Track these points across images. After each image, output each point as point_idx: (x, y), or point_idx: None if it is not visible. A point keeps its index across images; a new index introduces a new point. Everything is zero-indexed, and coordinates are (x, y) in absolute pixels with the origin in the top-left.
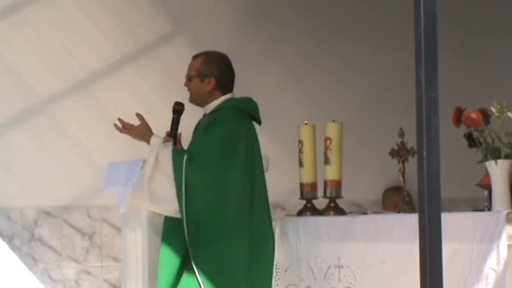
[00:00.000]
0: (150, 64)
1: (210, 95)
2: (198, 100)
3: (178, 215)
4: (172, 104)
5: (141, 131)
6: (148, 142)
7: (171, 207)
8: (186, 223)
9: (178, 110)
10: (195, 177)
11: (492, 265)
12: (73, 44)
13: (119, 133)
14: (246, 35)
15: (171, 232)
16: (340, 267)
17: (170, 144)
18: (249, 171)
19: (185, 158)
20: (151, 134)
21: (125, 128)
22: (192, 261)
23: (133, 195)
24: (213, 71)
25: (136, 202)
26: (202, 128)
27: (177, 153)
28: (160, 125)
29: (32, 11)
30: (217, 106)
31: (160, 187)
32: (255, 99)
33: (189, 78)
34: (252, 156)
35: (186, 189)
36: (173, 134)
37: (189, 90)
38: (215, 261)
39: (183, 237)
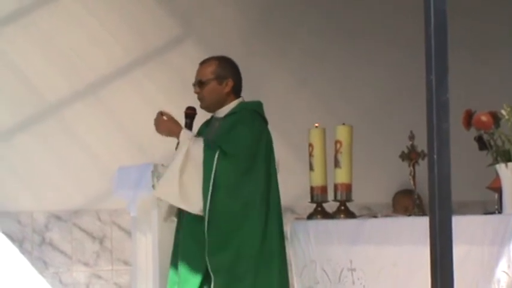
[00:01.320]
0: (159, 67)
1: (226, 97)
2: (213, 103)
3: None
4: (181, 107)
5: (170, 126)
6: (177, 136)
7: (197, 202)
8: (208, 217)
9: (190, 114)
10: (225, 171)
11: (504, 268)
12: (81, 48)
13: (127, 136)
14: (255, 38)
15: (190, 247)
16: (353, 270)
17: (201, 139)
18: (267, 174)
19: (217, 152)
20: (181, 128)
21: (161, 119)
22: (208, 262)
23: (161, 187)
24: (230, 72)
25: (163, 194)
26: (221, 130)
27: (210, 147)
28: None
29: (40, 14)
30: (232, 109)
31: (191, 180)
32: (264, 102)
33: (201, 84)
34: (270, 159)
35: (214, 184)
36: None
37: (200, 96)
38: (231, 266)
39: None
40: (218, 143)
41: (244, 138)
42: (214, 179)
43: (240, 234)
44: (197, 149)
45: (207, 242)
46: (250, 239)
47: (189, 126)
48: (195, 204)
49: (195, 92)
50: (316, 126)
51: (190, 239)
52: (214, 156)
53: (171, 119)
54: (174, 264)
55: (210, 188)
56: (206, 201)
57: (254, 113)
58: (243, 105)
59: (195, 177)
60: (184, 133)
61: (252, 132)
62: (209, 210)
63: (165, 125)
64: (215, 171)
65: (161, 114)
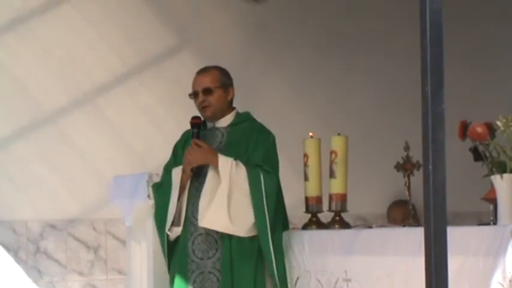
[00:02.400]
0: (155, 77)
1: (229, 105)
2: (219, 111)
3: (251, 233)
4: (177, 116)
5: (206, 155)
6: (216, 164)
7: (244, 226)
8: (268, 238)
9: (197, 124)
10: (271, 186)
11: (499, 279)
12: (78, 57)
13: (123, 145)
14: (251, 48)
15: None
16: (348, 280)
17: (239, 162)
18: None
19: (261, 173)
20: (217, 154)
21: (197, 149)
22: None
23: (209, 216)
24: (231, 81)
25: (211, 223)
26: (245, 138)
27: (253, 169)
28: (165, 137)
29: (38, 23)
30: (234, 120)
31: (238, 205)
32: (259, 112)
33: (207, 92)
34: None
35: (267, 202)
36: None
37: (207, 104)
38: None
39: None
40: (255, 162)
41: (274, 153)
42: (266, 198)
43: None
44: (240, 173)
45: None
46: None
47: (197, 135)
48: (241, 228)
49: (201, 101)
50: (311, 136)
51: (240, 258)
52: (260, 177)
53: (207, 147)
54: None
55: (265, 208)
56: (265, 222)
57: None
58: (246, 116)
59: (243, 201)
60: (223, 160)
61: (274, 143)
62: (270, 230)
63: (201, 154)
64: (265, 190)
65: (196, 144)
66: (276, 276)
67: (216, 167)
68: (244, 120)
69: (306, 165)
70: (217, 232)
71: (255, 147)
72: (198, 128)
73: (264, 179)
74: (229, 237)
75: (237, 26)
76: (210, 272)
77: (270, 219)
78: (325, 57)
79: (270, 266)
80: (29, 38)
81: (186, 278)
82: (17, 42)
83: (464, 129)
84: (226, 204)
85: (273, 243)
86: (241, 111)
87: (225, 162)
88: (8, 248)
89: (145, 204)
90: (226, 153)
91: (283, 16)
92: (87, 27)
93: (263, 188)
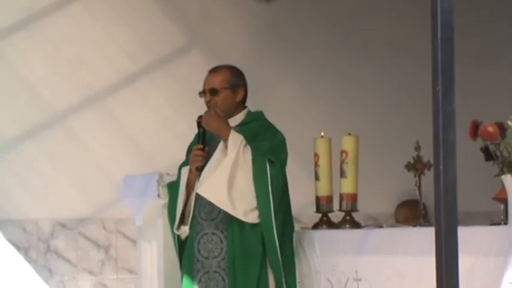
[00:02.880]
0: (165, 76)
1: (238, 106)
2: (225, 112)
3: (250, 219)
4: (186, 116)
5: (222, 125)
6: (226, 136)
7: (241, 207)
8: (272, 222)
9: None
10: (277, 179)
11: (510, 279)
12: (88, 57)
13: (133, 145)
14: (261, 48)
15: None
16: (358, 280)
17: (248, 146)
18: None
19: (266, 161)
20: (230, 129)
21: (214, 116)
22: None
23: (207, 186)
24: (242, 82)
25: (208, 193)
26: (252, 136)
27: (258, 153)
28: (174, 137)
29: (47, 23)
30: (245, 119)
31: (240, 185)
32: (269, 112)
33: (214, 92)
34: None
35: (272, 192)
36: (204, 147)
37: (212, 104)
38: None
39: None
40: (261, 151)
41: (281, 149)
42: (271, 186)
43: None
44: (247, 154)
45: (279, 252)
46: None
47: (203, 134)
48: (238, 208)
49: (207, 100)
50: (322, 136)
51: (241, 250)
52: (265, 164)
53: (224, 118)
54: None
55: (270, 195)
56: (269, 209)
57: (269, 122)
58: (256, 115)
59: (245, 182)
60: (234, 135)
61: (280, 139)
62: (274, 218)
63: (217, 122)
64: (270, 178)
65: (215, 111)
66: (278, 266)
67: (226, 139)
68: (255, 119)
69: (316, 164)
70: (223, 231)
71: (261, 139)
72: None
73: (269, 167)
74: (234, 236)
75: (248, 25)
76: (215, 272)
77: (275, 205)
78: (336, 56)
79: (272, 253)
80: (38, 37)
81: (192, 278)
82: (26, 41)
83: (475, 129)
84: (227, 179)
85: (276, 230)
86: (253, 110)
87: (236, 137)
88: (18, 247)
89: (156, 204)
90: None
91: (294, 15)
92: (97, 27)
93: (268, 174)
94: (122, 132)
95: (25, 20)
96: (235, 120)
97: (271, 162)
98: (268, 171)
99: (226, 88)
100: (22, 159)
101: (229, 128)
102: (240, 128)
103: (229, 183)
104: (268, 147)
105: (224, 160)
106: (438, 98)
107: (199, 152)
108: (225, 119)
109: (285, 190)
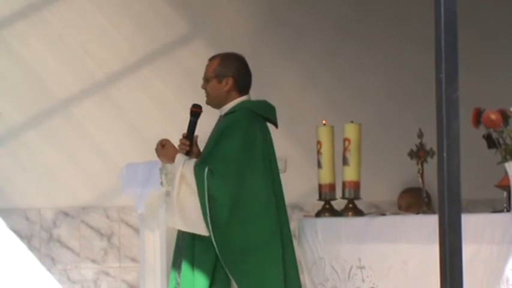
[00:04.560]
0: (167, 65)
1: (227, 95)
2: (215, 102)
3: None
4: (189, 105)
5: (168, 152)
6: (172, 161)
7: (200, 224)
8: (214, 238)
9: (195, 112)
10: (217, 189)
11: None
12: (91, 45)
13: (136, 134)
14: (263, 37)
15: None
16: (362, 267)
17: (193, 160)
18: (267, 175)
19: (206, 172)
20: (176, 152)
21: (159, 148)
22: (231, 276)
23: (169, 217)
24: (231, 71)
25: (172, 223)
26: (216, 131)
27: (199, 167)
28: (177, 125)
29: (50, 12)
30: (232, 108)
31: (188, 203)
32: (272, 100)
33: (206, 80)
34: (269, 159)
35: (210, 203)
36: (190, 137)
37: (206, 92)
38: (253, 272)
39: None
40: (205, 153)
41: (232, 148)
42: (209, 198)
43: (251, 236)
44: (189, 169)
45: (218, 251)
46: (268, 245)
47: (193, 124)
48: (198, 226)
49: (202, 88)
50: (325, 124)
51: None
52: (204, 175)
53: (169, 146)
54: (176, 266)
55: (207, 205)
56: (206, 219)
57: (249, 113)
58: (241, 105)
59: (190, 198)
60: (178, 157)
61: (241, 138)
62: (212, 227)
63: (163, 152)
64: (208, 189)
65: (160, 143)
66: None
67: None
68: (237, 110)
69: (319, 152)
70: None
71: (213, 145)
72: (197, 117)
73: (207, 177)
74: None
75: (251, 14)
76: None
77: (216, 220)
78: (339, 44)
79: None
80: (41, 26)
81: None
82: (29, 30)
83: (478, 117)
84: (175, 203)
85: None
86: (255, 98)
87: (179, 160)
88: (21, 236)
89: (159, 192)
90: (207, 143)
91: (296, 4)
92: (100, 16)
93: (205, 185)
94: (125, 121)
95: (28, 8)
96: (225, 109)
97: (210, 172)
98: (206, 179)
99: (213, 77)
100: (25, 147)
101: (175, 152)
102: (224, 119)
103: (179, 206)
104: (214, 153)
105: (172, 185)
106: (441, 85)
107: (183, 141)
108: (170, 145)
109: (259, 194)
